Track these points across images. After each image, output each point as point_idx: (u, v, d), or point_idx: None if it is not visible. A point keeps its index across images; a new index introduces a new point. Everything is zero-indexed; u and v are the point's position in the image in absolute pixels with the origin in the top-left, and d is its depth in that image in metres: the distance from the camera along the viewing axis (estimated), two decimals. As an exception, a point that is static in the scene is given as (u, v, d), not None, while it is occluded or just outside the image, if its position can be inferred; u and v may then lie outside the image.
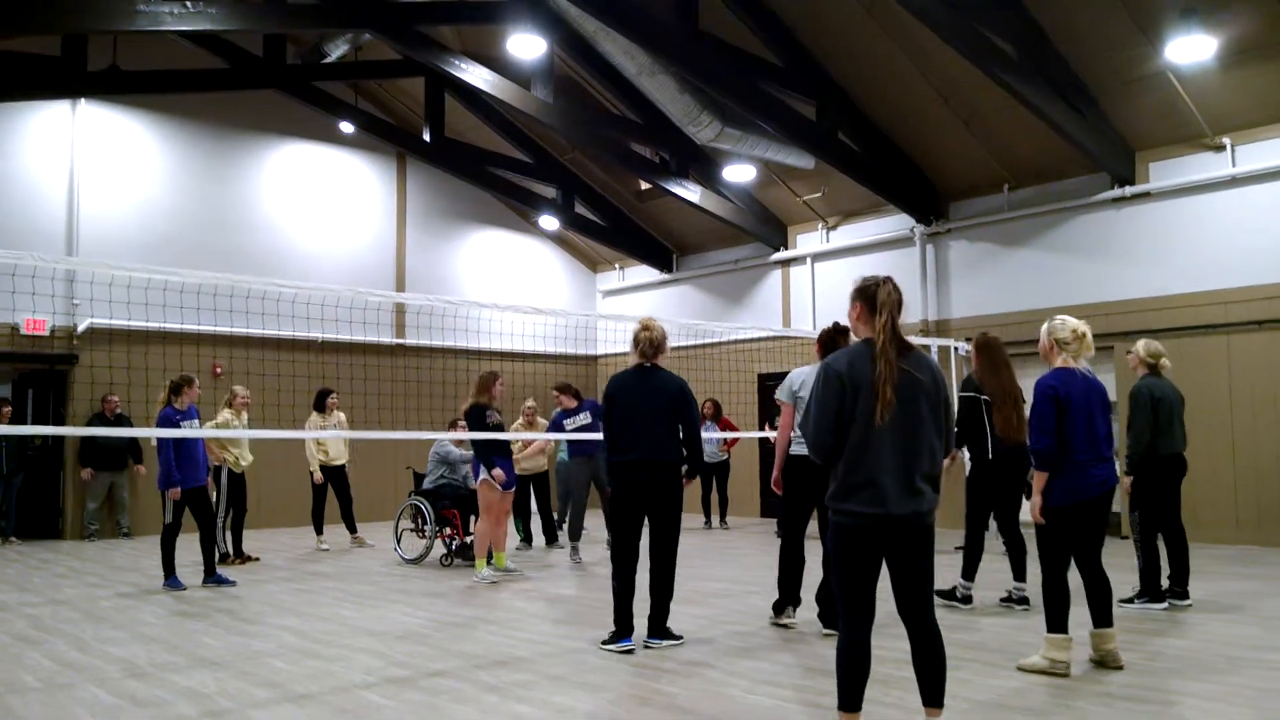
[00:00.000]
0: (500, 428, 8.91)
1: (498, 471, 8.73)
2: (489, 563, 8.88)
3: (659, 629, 6.07)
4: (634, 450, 6.03)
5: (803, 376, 6.62)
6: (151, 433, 8.51)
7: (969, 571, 7.03)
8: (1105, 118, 11.10)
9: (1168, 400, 6.98)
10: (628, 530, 6.10)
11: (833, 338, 6.52)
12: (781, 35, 11.64)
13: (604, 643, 6.02)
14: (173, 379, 8.69)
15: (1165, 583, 7.12)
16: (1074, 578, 5.36)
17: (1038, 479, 5.35)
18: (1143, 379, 7.09)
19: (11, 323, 12.34)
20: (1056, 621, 5.24)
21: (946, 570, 8.73)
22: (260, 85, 13.98)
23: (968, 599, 6.97)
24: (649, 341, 6.24)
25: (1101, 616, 5.35)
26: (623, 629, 5.99)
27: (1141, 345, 7.22)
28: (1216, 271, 10.84)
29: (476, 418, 8.79)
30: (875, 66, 11.64)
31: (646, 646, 5.99)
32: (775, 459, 6.67)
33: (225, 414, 10.33)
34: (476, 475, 9.03)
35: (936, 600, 6.78)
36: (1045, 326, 5.60)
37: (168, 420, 8.48)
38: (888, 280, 3.89)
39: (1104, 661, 5.32)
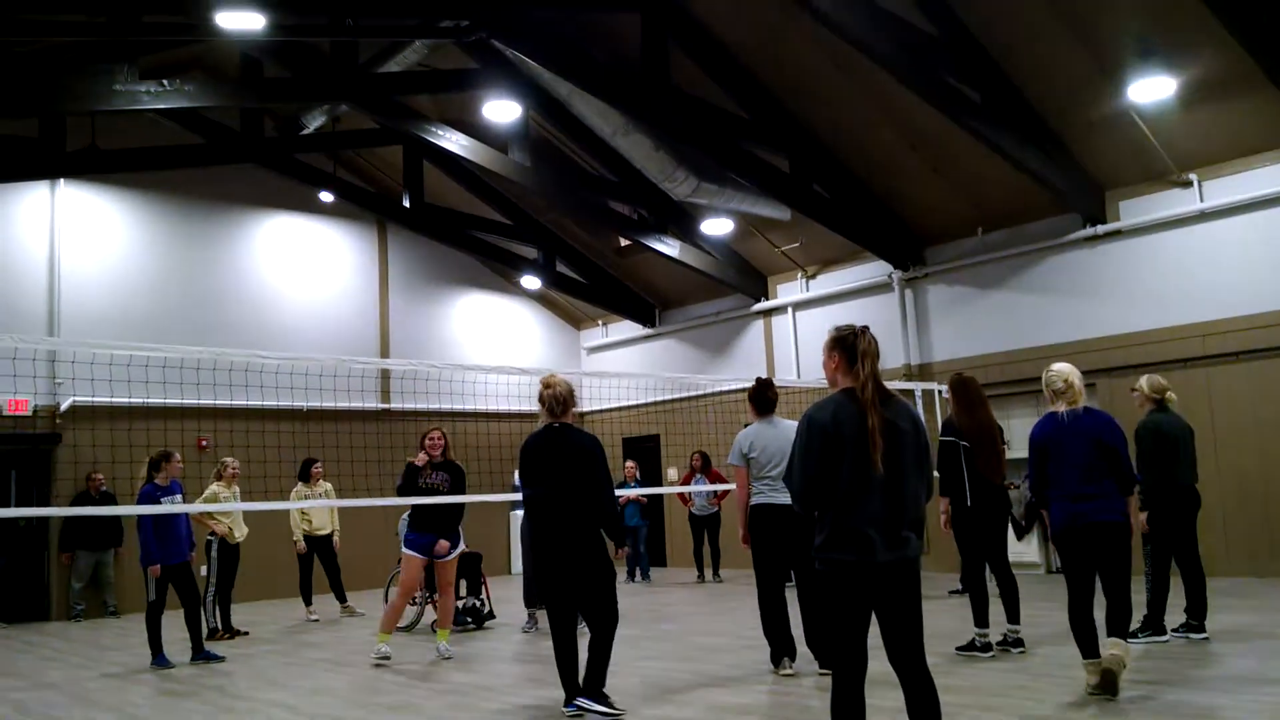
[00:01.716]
0: (436, 490, 8.21)
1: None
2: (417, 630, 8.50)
3: (592, 689, 5.65)
4: (548, 517, 5.75)
5: (750, 437, 6.77)
6: (135, 510, 8.44)
7: (980, 619, 6.99)
8: (1073, 158, 11.29)
9: (1171, 435, 7.03)
10: (551, 598, 5.84)
11: (761, 392, 6.88)
12: (752, 91, 11.84)
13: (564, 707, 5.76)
14: (152, 455, 8.65)
15: (1184, 616, 7.14)
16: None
17: (1046, 516, 5.88)
18: (1149, 415, 7.14)
19: (-7, 404, 12.28)
20: (1084, 649, 5.52)
21: (936, 616, 8.71)
22: (239, 159, 14.10)
23: (987, 647, 6.93)
24: (553, 399, 5.88)
25: (1112, 627, 5.56)
26: (569, 694, 5.74)
27: (1145, 381, 7.26)
28: (1192, 305, 10.96)
29: (404, 481, 8.25)
30: (845, 118, 11.84)
31: (573, 704, 5.64)
32: (739, 518, 6.80)
33: (215, 486, 10.28)
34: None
35: (960, 655, 6.83)
36: (1044, 376, 5.95)
37: (148, 497, 8.42)
38: (865, 329, 3.93)
39: (1102, 683, 5.36)
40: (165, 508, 8.37)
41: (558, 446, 5.78)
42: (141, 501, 8.42)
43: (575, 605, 5.86)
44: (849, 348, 3.89)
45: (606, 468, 5.78)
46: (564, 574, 5.75)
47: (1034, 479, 5.80)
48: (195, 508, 9.53)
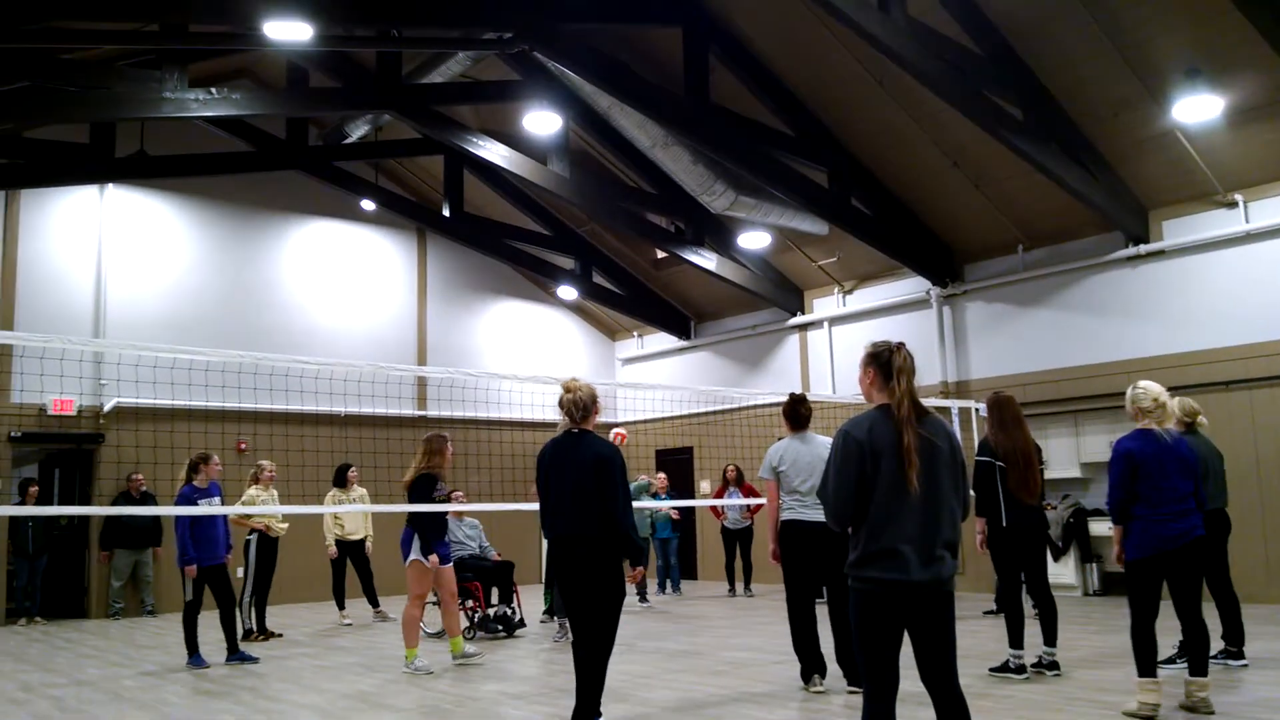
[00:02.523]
0: (447, 500, 8.14)
1: (434, 557, 7.94)
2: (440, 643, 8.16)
3: None
4: (556, 525, 5.49)
5: (780, 451, 6.73)
6: (173, 511, 8.57)
7: (1016, 640, 6.90)
8: (1117, 177, 11.18)
9: (1201, 458, 6.90)
10: (571, 611, 5.53)
11: (794, 408, 6.81)
12: (792, 106, 11.84)
13: None
14: (191, 457, 8.79)
15: (1221, 642, 7.01)
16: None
17: (1115, 532, 5.82)
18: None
19: (39, 404, 12.51)
20: (1142, 666, 5.52)
21: (971, 636, 8.63)
22: (283, 166, 14.31)
23: (1021, 669, 6.84)
24: (573, 404, 5.54)
25: (1197, 665, 5.62)
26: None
27: (1175, 404, 7.12)
28: (1235, 327, 10.80)
29: (424, 490, 7.99)
30: (885, 133, 11.81)
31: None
32: (769, 533, 6.75)
33: (253, 490, 10.40)
34: (407, 552, 8.06)
35: (994, 676, 6.76)
36: (1129, 393, 5.95)
37: (186, 499, 8.55)
38: (901, 346, 3.91)
39: (1195, 708, 5.53)
40: (202, 509, 8.48)
41: (573, 453, 5.46)
42: (179, 503, 8.54)
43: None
44: (884, 364, 3.88)
45: (625, 479, 5.45)
46: (574, 588, 5.47)
47: (1121, 496, 5.68)
48: (232, 510, 9.65)
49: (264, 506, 10.13)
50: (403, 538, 8.21)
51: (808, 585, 6.69)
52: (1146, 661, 5.53)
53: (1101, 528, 11.68)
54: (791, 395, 6.98)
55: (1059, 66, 10.14)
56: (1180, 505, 5.62)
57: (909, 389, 3.80)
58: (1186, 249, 11.25)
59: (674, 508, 13.54)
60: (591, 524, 5.35)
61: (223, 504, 9.09)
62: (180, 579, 8.69)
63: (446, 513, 8.19)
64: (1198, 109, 9.65)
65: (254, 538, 10.45)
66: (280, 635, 10.47)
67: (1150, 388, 5.83)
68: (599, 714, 5.46)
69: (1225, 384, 10.74)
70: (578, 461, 5.41)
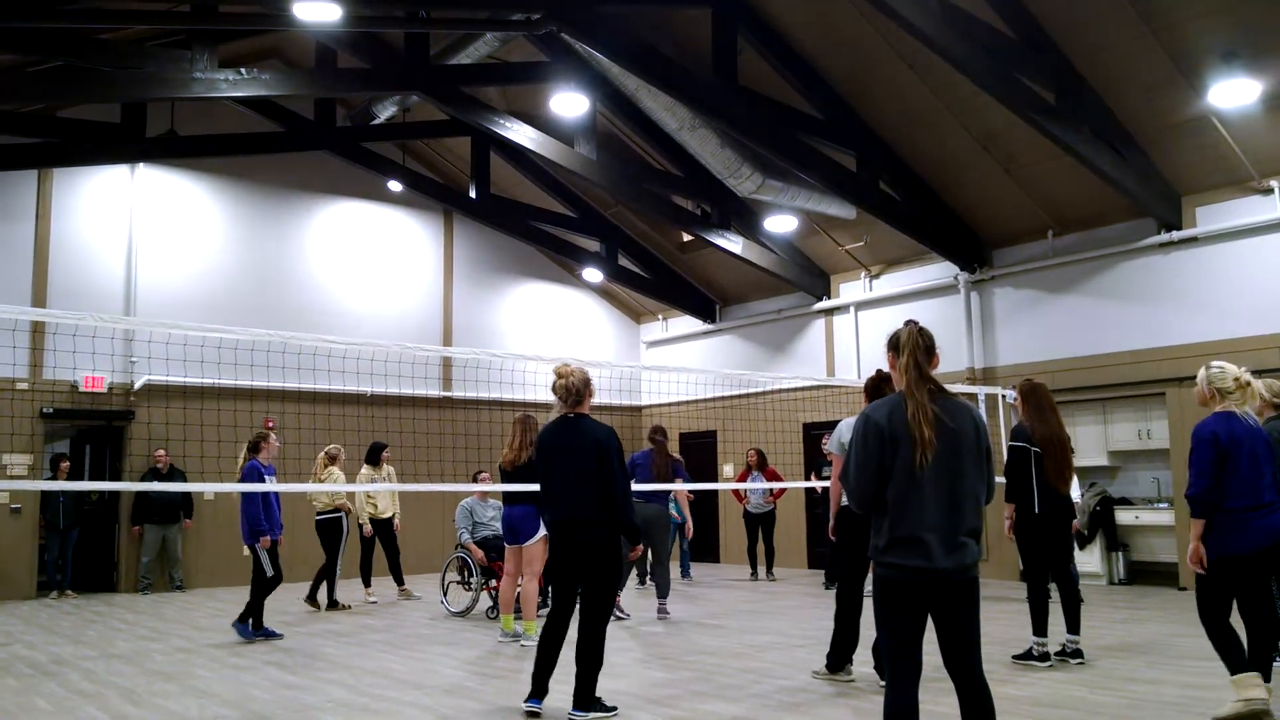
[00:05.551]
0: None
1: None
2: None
3: (582, 700, 5.45)
4: (556, 509, 5.63)
5: (852, 427, 6.54)
6: (208, 487, 8.69)
7: (1040, 627, 6.86)
8: (1149, 162, 11.04)
9: None
10: (558, 594, 5.68)
11: (878, 385, 6.30)
12: (821, 89, 11.76)
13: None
14: (251, 437, 8.96)
15: None
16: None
17: (1195, 526, 5.26)
18: (1268, 421, 6.46)
19: (71, 380, 12.67)
20: (1234, 663, 5.11)
21: (995, 623, 8.60)
22: (311, 147, 14.37)
23: (1045, 657, 6.81)
24: (565, 389, 5.71)
25: (1262, 663, 5.20)
26: (533, 689, 5.64)
27: (1262, 384, 6.49)
28: (1269, 315, 10.65)
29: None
30: (915, 117, 11.71)
31: (534, 700, 5.63)
32: (830, 510, 6.68)
33: (334, 468, 10.64)
34: (527, 531, 8.24)
35: (1017, 663, 6.73)
36: (1204, 374, 5.51)
37: (256, 474, 8.67)
38: (909, 323, 3.91)
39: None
40: (270, 486, 8.60)
41: (570, 437, 5.63)
42: (249, 478, 8.66)
43: (570, 610, 5.71)
44: (894, 345, 3.90)
45: (621, 461, 5.58)
46: (569, 572, 5.62)
47: (1208, 485, 5.16)
48: (267, 487, 9.75)
49: (301, 485, 10.28)
50: (513, 518, 8.31)
51: (864, 572, 6.55)
52: (1239, 656, 5.12)
53: (1128, 516, 11.62)
54: (878, 371, 6.43)
55: (1092, 49, 10.00)
56: (1270, 495, 5.21)
57: (909, 362, 3.79)
58: (1220, 236, 11.11)
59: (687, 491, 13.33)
60: (592, 508, 5.51)
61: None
62: (253, 554, 8.79)
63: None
64: (1233, 93, 9.51)
65: (345, 516, 10.86)
66: (349, 607, 10.78)
67: (1228, 367, 5.44)
68: (598, 698, 5.53)
69: (1258, 373, 10.56)
70: (576, 447, 5.57)
